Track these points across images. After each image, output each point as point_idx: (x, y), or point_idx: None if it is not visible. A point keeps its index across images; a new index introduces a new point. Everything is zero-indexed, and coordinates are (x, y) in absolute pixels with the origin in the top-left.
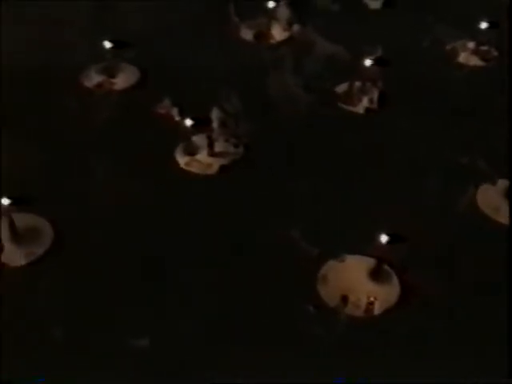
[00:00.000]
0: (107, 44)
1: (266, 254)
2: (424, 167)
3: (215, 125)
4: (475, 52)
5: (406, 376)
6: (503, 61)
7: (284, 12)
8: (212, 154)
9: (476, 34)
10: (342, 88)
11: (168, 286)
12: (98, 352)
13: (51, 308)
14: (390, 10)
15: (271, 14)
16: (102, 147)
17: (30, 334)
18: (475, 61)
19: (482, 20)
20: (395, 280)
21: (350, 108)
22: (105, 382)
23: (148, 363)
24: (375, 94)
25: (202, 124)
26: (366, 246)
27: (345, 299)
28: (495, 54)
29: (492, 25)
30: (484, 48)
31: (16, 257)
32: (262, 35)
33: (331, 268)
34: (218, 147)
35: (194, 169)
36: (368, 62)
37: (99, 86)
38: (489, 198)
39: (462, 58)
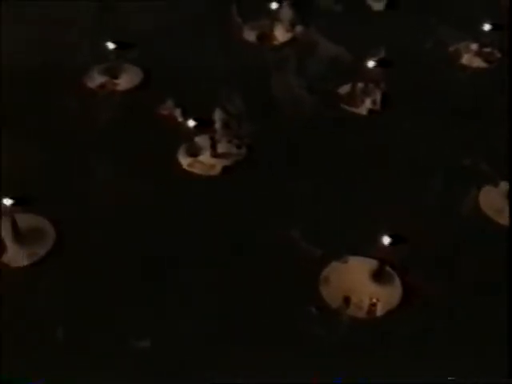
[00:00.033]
0: (110, 45)
1: (268, 255)
2: (426, 168)
3: (218, 126)
4: (478, 54)
5: (407, 377)
6: (507, 62)
7: (287, 13)
8: (215, 155)
9: (479, 36)
10: (344, 89)
11: (168, 285)
12: (98, 352)
13: (52, 308)
14: (393, 11)
15: (274, 15)
16: (104, 148)
17: (30, 334)
18: (478, 62)
19: (485, 22)
20: (397, 281)
21: (353, 109)
22: (105, 382)
23: (148, 363)
24: (378, 96)
25: (204, 125)
26: (368, 247)
27: (347, 300)
28: (498, 55)
29: (495, 27)
30: (487, 50)
31: (18, 257)
32: (265, 36)
33: (333, 269)
34: (220, 148)
35: (197, 170)
36: (371, 64)
37: (102, 86)
38: (491, 199)
39: (465, 59)
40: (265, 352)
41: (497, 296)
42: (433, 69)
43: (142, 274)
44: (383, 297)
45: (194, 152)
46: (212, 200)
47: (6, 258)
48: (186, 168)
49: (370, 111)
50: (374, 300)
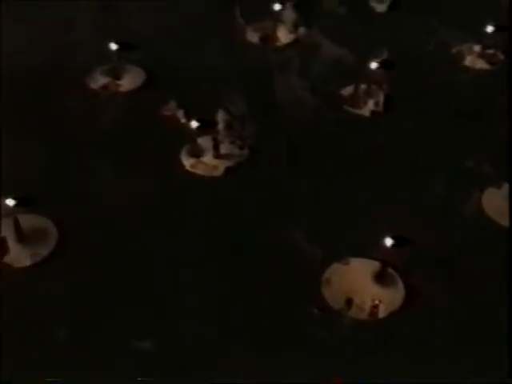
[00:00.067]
0: (113, 46)
1: (270, 255)
2: (429, 170)
3: (221, 127)
4: (481, 55)
5: (408, 378)
6: (509, 64)
7: (290, 14)
8: (217, 156)
9: (482, 38)
10: (347, 91)
11: (168, 285)
12: (98, 352)
13: (54, 308)
14: (396, 12)
15: (277, 17)
16: (107, 148)
17: (31, 335)
18: (481, 64)
19: (489, 23)
20: (400, 283)
21: (356, 111)
22: (105, 382)
23: (148, 363)
24: (381, 97)
25: (207, 126)
26: (371, 248)
27: (349, 302)
28: (501, 57)
29: (498, 28)
30: (490, 51)
31: (21, 258)
32: (268, 38)
33: (335, 270)
34: (223, 149)
35: (200, 171)
36: (374, 65)
37: (105, 87)
38: (494, 201)
39: (468, 61)
40: (265, 352)
41: (497, 296)
42: (435, 70)
43: (142, 274)
44: (385, 298)
45: (196, 153)
46: (214, 201)
47: (8, 259)
48: (189, 169)
49: (373, 113)
50: (377, 302)
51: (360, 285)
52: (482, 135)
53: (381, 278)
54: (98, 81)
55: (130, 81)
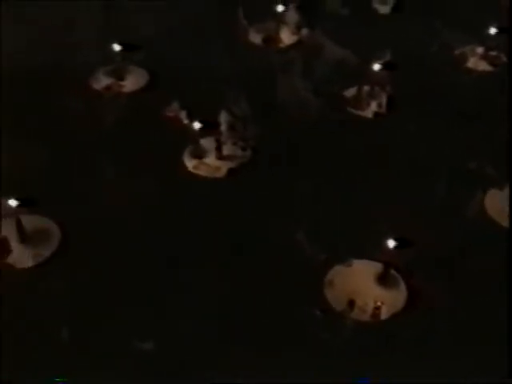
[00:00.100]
0: (116, 46)
1: (271, 256)
2: (432, 171)
3: (223, 128)
4: (484, 57)
5: (409, 378)
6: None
7: (293, 16)
8: (220, 157)
9: (485, 39)
10: (350, 92)
11: (168, 285)
12: (98, 352)
13: (55, 309)
14: (399, 14)
15: (280, 18)
16: (110, 149)
17: (33, 335)
18: (484, 66)
19: (491, 25)
20: (402, 285)
21: (359, 112)
22: (105, 382)
23: (148, 363)
24: (384, 99)
25: (210, 127)
26: (372, 249)
27: (351, 304)
28: (504, 59)
29: (501, 30)
30: (493, 53)
31: (23, 258)
32: (271, 39)
33: (338, 272)
34: (226, 150)
35: (202, 172)
36: (377, 67)
37: (108, 88)
38: (497, 203)
39: (471, 62)
40: (265, 352)
41: (497, 296)
42: (438, 72)
43: (142, 274)
44: (388, 300)
45: (199, 154)
46: (216, 201)
47: (11, 259)
48: (192, 170)
49: (376, 114)
50: (379, 303)
51: (362, 286)
52: (484, 136)
53: (383, 279)
54: (101, 81)
55: (133, 82)
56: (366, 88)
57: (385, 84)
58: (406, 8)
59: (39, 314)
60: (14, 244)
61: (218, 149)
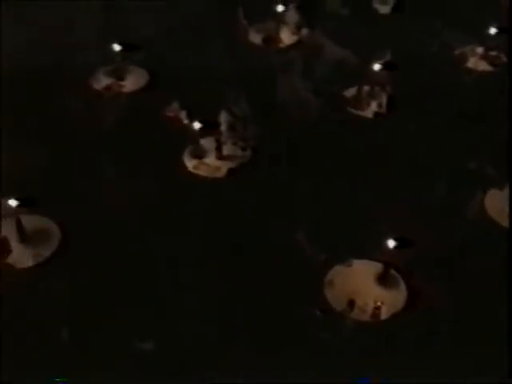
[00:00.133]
0: (116, 46)
1: (271, 256)
2: (432, 171)
3: (223, 128)
4: (484, 57)
5: (409, 378)
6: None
7: (293, 16)
8: (220, 157)
9: (485, 39)
10: (350, 92)
11: (168, 285)
12: (98, 352)
13: (55, 309)
14: (399, 14)
15: (280, 18)
16: (110, 149)
17: (33, 335)
18: (484, 66)
19: (491, 25)
20: (402, 285)
21: (359, 112)
22: (105, 382)
23: (148, 363)
24: (384, 99)
25: (210, 127)
26: (372, 248)
27: (351, 303)
28: (504, 59)
29: (501, 30)
30: (493, 53)
31: (23, 258)
32: (271, 39)
33: (338, 272)
34: (226, 150)
35: (202, 172)
36: (377, 67)
37: (108, 88)
38: (497, 203)
39: (471, 63)
40: (265, 352)
41: (497, 296)
42: (438, 72)
43: (142, 274)
44: (388, 300)
45: (199, 154)
46: (216, 201)
47: (11, 259)
48: (192, 170)
49: (376, 114)
50: (379, 303)
51: (362, 286)
52: (484, 137)
53: (383, 279)
54: (102, 81)
55: (133, 82)
56: (366, 88)
57: (385, 84)
58: (406, 8)
59: (39, 314)
60: (14, 244)
61: (218, 149)
